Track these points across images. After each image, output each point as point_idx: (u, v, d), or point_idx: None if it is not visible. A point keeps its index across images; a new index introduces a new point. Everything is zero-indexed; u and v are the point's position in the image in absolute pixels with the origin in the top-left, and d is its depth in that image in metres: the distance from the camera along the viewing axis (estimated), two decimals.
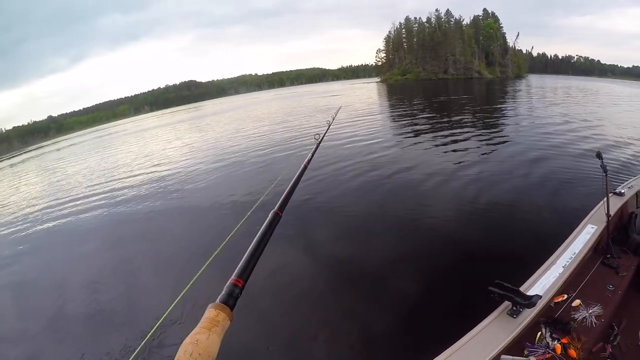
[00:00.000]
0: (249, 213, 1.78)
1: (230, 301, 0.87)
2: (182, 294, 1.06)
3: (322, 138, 2.51)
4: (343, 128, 17.63)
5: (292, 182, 1.54)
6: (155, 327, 0.80)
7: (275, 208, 1.25)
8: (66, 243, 8.24)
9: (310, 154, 2.11)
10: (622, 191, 4.14)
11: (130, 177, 14.10)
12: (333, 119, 3.36)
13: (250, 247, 1.04)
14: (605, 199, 3.42)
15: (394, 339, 3.95)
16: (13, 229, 10.22)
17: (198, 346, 0.75)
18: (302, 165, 1.87)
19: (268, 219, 1.18)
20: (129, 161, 18.86)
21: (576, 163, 9.12)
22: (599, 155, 3.40)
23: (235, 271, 0.94)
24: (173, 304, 1.04)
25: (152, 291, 5.30)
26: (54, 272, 6.80)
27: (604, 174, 3.34)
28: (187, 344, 0.75)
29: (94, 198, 11.83)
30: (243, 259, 0.99)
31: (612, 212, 3.43)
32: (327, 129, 2.80)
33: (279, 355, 3.93)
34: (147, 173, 14.12)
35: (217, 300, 0.86)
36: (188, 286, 1.11)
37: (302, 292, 5.00)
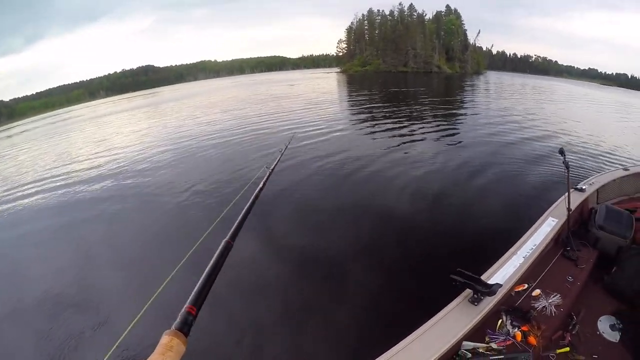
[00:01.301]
0: (202, 237, 1.78)
1: (184, 328, 0.89)
2: (135, 319, 1.07)
3: (273, 169, 2.52)
4: (305, 122, 17.39)
5: (244, 211, 1.56)
6: (110, 352, 0.83)
7: (227, 237, 1.29)
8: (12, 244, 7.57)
9: (261, 184, 2.13)
10: (584, 187, 4.29)
11: (85, 167, 13.40)
12: (286, 147, 3.31)
13: (203, 275, 1.06)
14: (566, 193, 3.49)
15: (357, 328, 3.99)
16: None
17: None
18: (253, 196, 1.85)
19: (220, 248, 1.21)
20: (83, 150, 17.92)
21: (539, 158, 9.41)
22: (561, 152, 3.45)
23: (189, 299, 0.96)
24: (127, 330, 1.04)
25: (107, 303, 4.92)
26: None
27: (566, 170, 3.39)
28: None
29: (46, 189, 11.17)
30: (196, 287, 1.01)
31: (572, 207, 3.53)
32: (278, 159, 2.73)
33: (246, 349, 3.90)
34: (102, 163, 13.43)
35: (172, 327, 0.88)
36: (142, 311, 1.14)
37: (266, 284, 4.97)
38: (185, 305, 0.93)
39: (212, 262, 1.12)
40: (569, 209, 3.44)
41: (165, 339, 0.84)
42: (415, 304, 3.89)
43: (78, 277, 5.72)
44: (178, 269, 1.49)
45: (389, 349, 2.17)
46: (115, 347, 1.04)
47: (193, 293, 0.98)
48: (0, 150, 27.44)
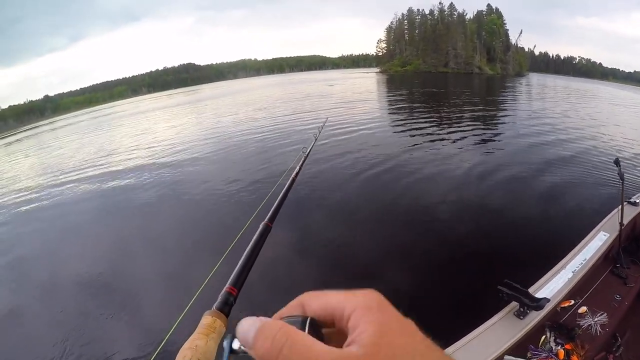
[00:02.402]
0: (245, 226, 1.70)
1: (225, 309, 0.89)
2: (189, 304, 1.09)
3: (309, 152, 2.53)
4: (340, 121, 17.31)
5: (281, 194, 1.59)
6: (166, 338, 0.82)
7: (266, 220, 1.31)
8: (57, 235, 7.82)
9: (298, 167, 2.15)
10: (637, 201, 4.00)
11: (127, 160, 13.81)
12: (320, 132, 3.31)
13: (243, 257, 1.06)
14: (619, 207, 3.38)
15: None
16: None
17: (197, 351, 0.76)
18: (290, 178, 1.89)
19: (259, 230, 1.22)
20: (125, 144, 18.56)
21: (593, 167, 8.98)
22: (616, 162, 3.36)
23: (230, 280, 0.97)
24: (182, 315, 1.05)
25: (152, 294, 5.06)
26: (47, 265, 6.45)
27: (621, 182, 3.30)
28: (186, 349, 0.77)
29: (89, 181, 11.63)
30: (236, 268, 1.01)
31: (625, 222, 3.38)
32: (314, 143, 2.76)
33: None
34: (145, 157, 13.79)
35: (213, 307, 0.88)
36: (195, 295, 1.17)
37: (296, 275, 5.01)
38: (226, 286, 0.94)
39: (251, 244, 1.14)
40: (621, 224, 3.30)
41: (208, 319, 0.84)
42: (461, 312, 3.74)
43: (117, 261, 6.01)
44: (220, 254, 1.58)
45: None
46: (170, 332, 1.08)
47: (233, 274, 0.99)
48: (50, 141, 28.96)
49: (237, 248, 1.28)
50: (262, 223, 1.27)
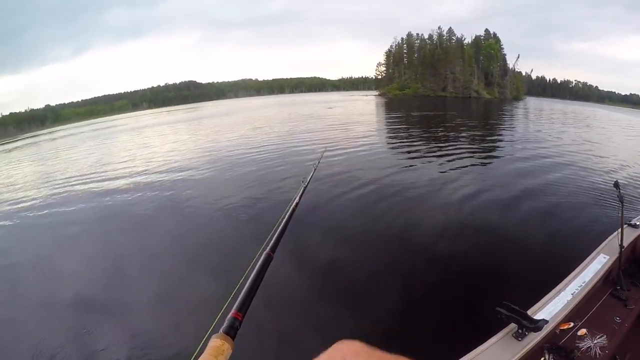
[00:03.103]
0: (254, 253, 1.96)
1: (232, 332, 0.95)
2: (210, 330, 1.05)
3: (308, 182, 2.56)
4: (339, 147, 17.50)
5: (282, 224, 1.64)
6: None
7: (268, 249, 1.35)
8: (51, 247, 7.75)
9: (298, 197, 2.17)
10: (638, 223, 4.02)
11: (123, 175, 13.85)
12: (319, 162, 3.35)
13: (246, 285, 1.12)
14: (619, 229, 3.40)
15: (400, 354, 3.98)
16: None
17: None
18: (290, 209, 1.92)
19: (261, 260, 1.27)
20: (122, 158, 18.59)
21: (593, 190, 9.04)
22: (616, 185, 3.43)
23: (235, 305, 1.03)
24: (202, 341, 1.01)
25: (147, 316, 5.02)
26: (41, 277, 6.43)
27: (621, 204, 3.34)
28: None
29: (86, 193, 11.75)
30: (241, 295, 1.07)
31: (625, 244, 3.38)
32: (312, 174, 2.81)
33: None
34: (145, 175, 13.74)
35: (220, 331, 0.94)
36: (218, 317, 1.14)
37: (297, 298, 5.02)
38: (232, 311, 1.01)
39: (254, 273, 1.20)
40: (621, 246, 3.31)
41: (216, 342, 0.90)
42: (456, 334, 3.76)
43: (110, 280, 5.86)
44: (217, 277, 1.79)
45: None
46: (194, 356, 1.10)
47: (238, 301, 1.06)
48: (49, 151, 28.74)
49: (236, 274, 1.37)
50: (265, 252, 1.35)
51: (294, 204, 2.03)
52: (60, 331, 4.76)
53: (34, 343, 4.52)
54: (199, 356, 0.87)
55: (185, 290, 5.43)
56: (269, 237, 1.46)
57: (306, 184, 2.49)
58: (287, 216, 1.75)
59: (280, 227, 1.59)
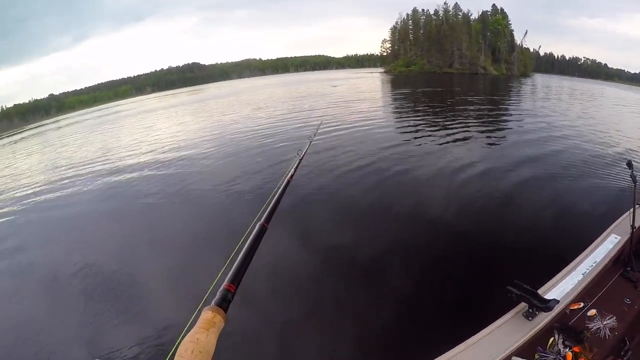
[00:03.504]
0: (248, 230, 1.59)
1: (224, 304, 0.95)
2: (202, 302, 1.06)
3: (304, 154, 2.58)
4: (340, 118, 17.45)
5: (277, 195, 1.66)
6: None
7: (262, 220, 1.37)
8: (60, 233, 7.89)
9: (293, 170, 2.17)
10: None
11: (129, 158, 14.01)
12: (314, 135, 3.34)
13: (240, 256, 1.13)
14: (631, 209, 3.33)
15: (397, 333, 3.91)
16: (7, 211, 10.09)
17: (198, 344, 0.81)
18: (285, 181, 1.90)
19: (255, 231, 1.29)
20: (128, 143, 18.82)
21: (605, 169, 8.85)
22: (629, 164, 3.30)
23: (228, 277, 1.03)
24: (195, 313, 1.03)
25: (154, 290, 5.11)
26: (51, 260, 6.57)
27: (633, 184, 3.25)
28: (188, 342, 0.82)
29: (94, 178, 11.79)
30: (234, 267, 1.08)
31: (637, 225, 3.32)
32: (308, 146, 2.81)
33: (274, 342, 3.93)
34: (150, 156, 13.88)
35: (213, 303, 0.94)
36: (207, 294, 1.15)
37: (297, 274, 5.03)
38: (224, 283, 1.00)
39: (247, 244, 1.19)
40: (632, 226, 3.25)
41: (207, 314, 0.89)
42: (467, 313, 3.78)
43: (118, 252, 6.14)
44: (213, 249, 1.68)
45: (435, 358, 2.18)
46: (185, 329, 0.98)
47: (231, 272, 1.05)
48: (54, 140, 29.26)
49: (233, 247, 1.32)
50: (259, 223, 1.33)
51: (288, 175, 2.02)
52: (67, 306, 4.97)
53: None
54: (191, 329, 0.86)
55: (181, 264, 5.50)
56: (263, 208, 1.47)
57: (301, 156, 2.51)
58: (281, 188, 1.75)
59: (274, 199, 1.61)
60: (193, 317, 0.93)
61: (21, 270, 6.24)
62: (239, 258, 1.11)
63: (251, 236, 1.24)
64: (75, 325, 4.52)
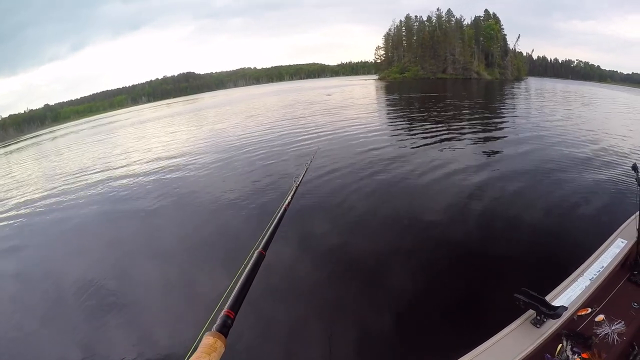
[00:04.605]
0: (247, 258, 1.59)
1: (224, 330, 0.98)
2: (206, 324, 1.07)
3: (300, 182, 2.61)
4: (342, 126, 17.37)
5: (274, 224, 1.66)
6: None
7: (260, 248, 1.39)
8: (59, 242, 7.88)
9: (289, 197, 2.20)
10: None
11: (128, 171, 13.73)
12: (310, 162, 3.41)
13: (239, 283, 1.16)
14: (637, 213, 3.34)
15: (402, 342, 3.89)
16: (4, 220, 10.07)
17: None
18: (282, 208, 1.93)
19: (253, 259, 1.32)
20: (124, 153, 18.78)
21: (610, 173, 8.76)
22: (634, 168, 3.33)
23: (228, 304, 1.07)
24: (198, 338, 1.04)
25: (152, 312, 5.03)
26: (49, 270, 6.54)
27: (639, 188, 3.21)
28: None
29: (90, 191, 11.62)
30: (233, 294, 1.11)
31: None
32: (305, 172, 2.84)
33: (278, 353, 3.94)
34: (146, 167, 13.76)
35: (213, 329, 0.98)
36: (212, 315, 1.16)
37: (299, 290, 4.95)
38: (224, 310, 1.03)
39: (246, 271, 1.22)
40: (639, 230, 3.27)
41: (209, 339, 0.92)
42: (475, 321, 3.73)
43: (117, 274, 5.97)
44: (212, 276, 1.69)
45: None
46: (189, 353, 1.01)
47: (230, 299, 1.08)
48: (50, 150, 28.84)
49: (230, 269, 1.41)
50: (257, 251, 1.36)
51: (285, 203, 2.04)
52: (63, 323, 4.88)
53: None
54: (193, 354, 0.89)
55: (180, 289, 5.37)
56: (260, 237, 1.49)
57: (298, 183, 2.55)
58: (278, 216, 1.76)
59: (272, 227, 1.61)
60: (195, 343, 0.96)
61: (10, 282, 6.25)
62: (238, 285, 1.14)
63: (250, 264, 1.28)
64: (69, 342, 4.48)
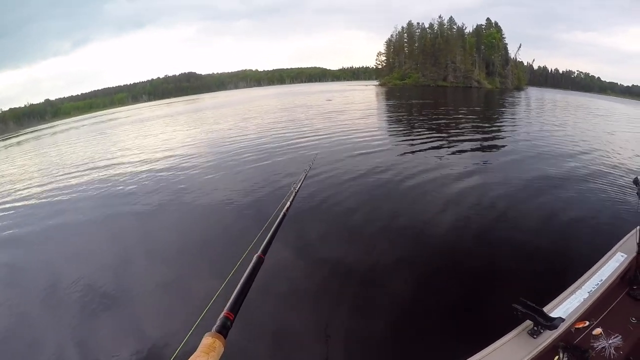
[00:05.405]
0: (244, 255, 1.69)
1: (224, 331, 1.01)
2: (193, 328, 1.12)
3: (299, 187, 2.65)
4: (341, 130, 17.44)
5: (273, 228, 1.72)
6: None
7: (259, 252, 1.43)
8: (53, 238, 7.85)
9: (288, 202, 2.24)
10: None
11: (127, 169, 13.73)
12: (310, 168, 3.46)
13: (238, 286, 1.19)
14: (638, 227, 3.32)
15: (396, 350, 3.87)
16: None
17: None
18: (282, 214, 1.99)
19: (252, 263, 1.34)
20: (122, 151, 18.74)
21: (611, 186, 8.75)
22: (636, 182, 3.36)
23: (227, 306, 1.09)
24: (187, 336, 1.10)
25: (149, 311, 5.03)
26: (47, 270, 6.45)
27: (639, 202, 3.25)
28: None
29: (89, 184, 11.84)
30: (232, 296, 1.14)
31: None
32: (304, 178, 2.89)
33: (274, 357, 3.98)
34: (144, 166, 13.77)
35: (213, 330, 1.00)
36: (202, 314, 1.23)
37: (297, 296, 4.96)
38: (224, 311, 1.06)
39: (246, 274, 1.26)
40: (639, 244, 3.26)
41: (208, 340, 0.95)
42: (472, 330, 3.68)
43: (113, 272, 5.94)
44: (208, 278, 1.74)
45: None
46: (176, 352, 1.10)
47: (230, 301, 1.11)
48: (49, 145, 28.45)
49: (227, 270, 1.41)
50: (256, 255, 1.39)
51: (284, 209, 2.08)
52: (59, 323, 4.82)
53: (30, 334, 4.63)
54: (192, 353, 0.91)
55: (179, 290, 5.36)
56: (262, 241, 1.52)
57: (297, 189, 2.59)
58: (277, 221, 1.82)
59: (271, 231, 1.66)
60: (196, 344, 0.96)
61: (2, 278, 6.24)
62: (237, 288, 1.17)
63: (249, 267, 1.30)
64: (65, 341, 4.45)
